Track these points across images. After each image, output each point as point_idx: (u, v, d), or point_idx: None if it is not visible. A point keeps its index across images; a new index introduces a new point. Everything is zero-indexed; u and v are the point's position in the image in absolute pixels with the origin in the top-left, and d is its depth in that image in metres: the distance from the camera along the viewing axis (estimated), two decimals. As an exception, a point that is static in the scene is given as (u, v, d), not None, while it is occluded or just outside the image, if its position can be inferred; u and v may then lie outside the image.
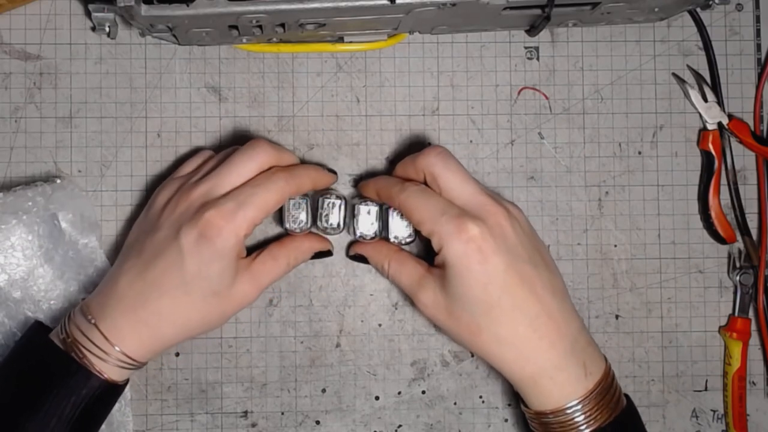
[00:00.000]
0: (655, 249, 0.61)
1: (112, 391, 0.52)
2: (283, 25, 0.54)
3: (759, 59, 0.61)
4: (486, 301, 0.50)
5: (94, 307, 0.51)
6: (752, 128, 0.61)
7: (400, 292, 0.60)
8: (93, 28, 0.59)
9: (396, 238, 0.56)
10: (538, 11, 0.54)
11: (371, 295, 0.60)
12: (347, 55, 0.60)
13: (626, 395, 0.53)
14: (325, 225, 0.56)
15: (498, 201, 0.52)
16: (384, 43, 0.59)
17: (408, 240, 0.56)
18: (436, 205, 0.51)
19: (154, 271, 0.51)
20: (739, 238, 0.61)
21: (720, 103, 0.60)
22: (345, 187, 0.60)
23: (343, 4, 0.50)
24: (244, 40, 0.57)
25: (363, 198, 0.57)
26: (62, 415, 0.49)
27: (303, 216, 0.55)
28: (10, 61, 0.59)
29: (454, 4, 0.51)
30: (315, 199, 0.56)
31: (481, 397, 0.60)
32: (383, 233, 0.56)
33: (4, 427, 0.49)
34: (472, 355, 0.60)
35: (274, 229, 0.60)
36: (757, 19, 0.62)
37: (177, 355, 0.59)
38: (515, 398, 0.59)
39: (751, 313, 0.61)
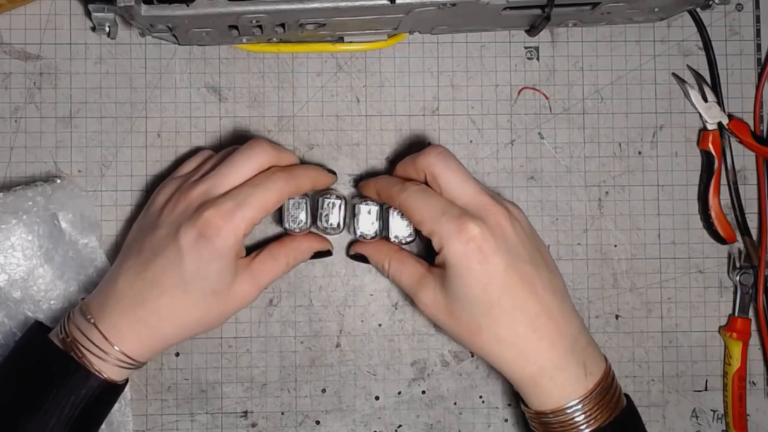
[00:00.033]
0: (655, 249, 0.61)
1: (112, 390, 0.52)
2: (283, 25, 0.54)
3: (759, 59, 0.61)
4: (486, 300, 0.50)
5: (94, 307, 0.51)
6: (752, 128, 0.61)
7: (400, 292, 0.60)
8: (93, 28, 0.59)
9: (396, 237, 0.56)
10: (538, 11, 0.54)
11: (371, 295, 0.60)
12: (347, 55, 0.60)
13: (626, 395, 0.53)
14: (325, 225, 0.56)
15: (498, 201, 0.52)
16: (384, 43, 0.59)
17: (408, 240, 0.56)
18: (436, 205, 0.51)
19: (153, 271, 0.51)
20: (739, 238, 0.61)
21: (720, 103, 0.61)
22: (345, 187, 0.60)
23: (343, 4, 0.50)
24: (244, 40, 0.57)
25: (363, 197, 0.57)
26: (61, 414, 0.49)
27: (302, 216, 0.55)
28: (10, 61, 0.59)
29: (454, 4, 0.51)
30: (315, 199, 0.56)
31: (481, 397, 0.60)
32: (383, 233, 0.56)
33: (4, 427, 0.49)
34: (472, 355, 0.60)
35: (274, 229, 0.60)
36: (757, 19, 0.62)
37: (177, 355, 0.59)
38: (515, 398, 0.59)
39: (751, 313, 0.61)
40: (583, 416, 0.50)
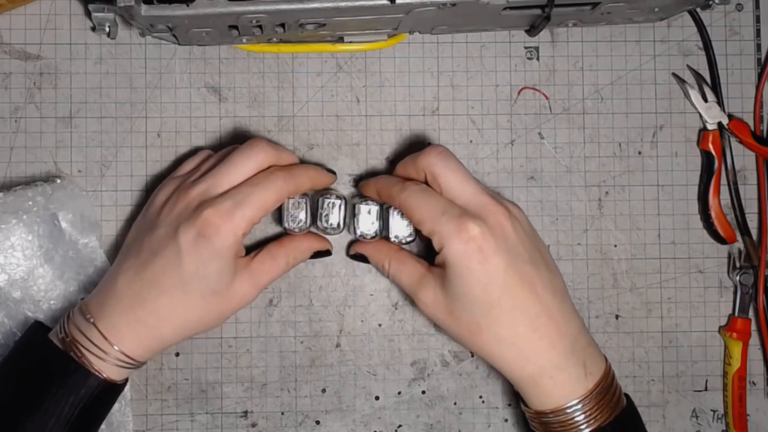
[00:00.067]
0: (655, 249, 0.61)
1: (111, 390, 0.52)
2: (283, 25, 0.54)
3: (759, 59, 0.61)
4: (486, 300, 0.50)
5: (93, 307, 0.51)
6: (752, 128, 0.61)
7: (400, 292, 0.60)
8: (93, 28, 0.59)
9: (396, 237, 0.56)
10: (538, 11, 0.54)
11: (371, 295, 0.60)
12: (347, 55, 0.60)
13: (626, 395, 0.53)
14: (325, 225, 0.56)
15: (499, 201, 0.52)
16: (384, 43, 0.59)
17: (408, 239, 0.56)
18: (436, 205, 0.51)
19: (152, 271, 0.51)
20: (739, 238, 0.61)
21: (720, 103, 0.61)
22: (345, 187, 0.60)
23: (343, 4, 0.50)
24: (244, 40, 0.57)
25: (363, 197, 0.57)
26: (61, 414, 0.49)
27: (302, 215, 0.55)
28: (10, 61, 0.59)
29: (454, 4, 0.51)
30: (315, 199, 0.56)
31: (481, 397, 0.60)
32: (384, 232, 0.56)
33: (3, 427, 0.49)
34: (472, 355, 0.60)
35: (274, 229, 0.60)
36: (757, 19, 0.62)
37: (177, 355, 0.59)
38: (515, 398, 0.59)
39: (751, 313, 0.61)
40: (583, 416, 0.50)
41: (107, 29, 0.55)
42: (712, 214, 0.60)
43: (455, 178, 0.52)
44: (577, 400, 0.50)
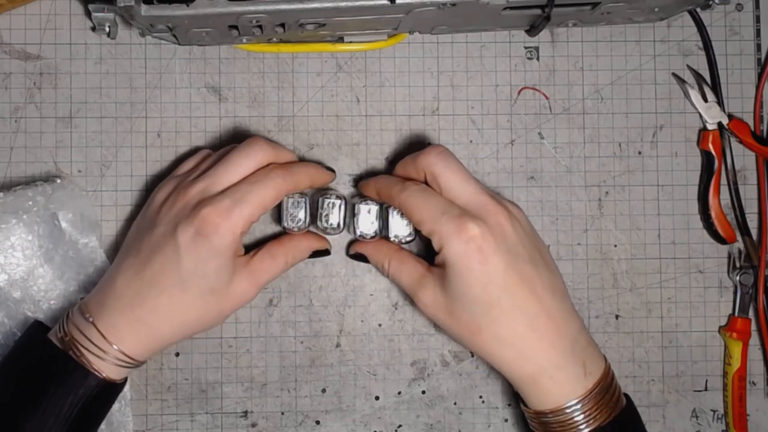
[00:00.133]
0: (655, 249, 0.61)
1: (111, 390, 0.52)
2: (283, 25, 0.54)
3: (759, 59, 0.61)
4: (486, 300, 0.50)
5: (93, 306, 0.51)
6: (752, 128, 0.61)
7: (400, 292, 0.60)
8: (93, 28, 0.59)
9: (396, 237, 0.56)
10: (538, 11, 0.54)
11: (371, 295, 0.60)
12: (347, 55, 0.60)
13: (626, 395, 0.53)
14: (325, 225, 0.56)
15: (498, 200, 0.52)
16: (384, 43, 0.59)
17: (408, 239, 0.56)
18: (436, 205, 0.51)
19: (151, 270, 0.51)
20: (739, 238, 0.61)
21: (720, 103, 0.60)
22: (345, 187, 0.60)
23: (343, 4, 0.50)
24: (244, 40, 0.57)
25: (363, 197, 0.57)
26: (60, 414, 0.49)
27: (301, 215, 0.55)
28: (10, 61, 0.59)
29: (454, 4, 0.51)
30: (315, 199, 0.56)
31: (481, 397, 0.60)
32: (383, 232, 0.56)
33: (3, 426, 0.49)
34: (472, 355, 0.60)
35: (273, 228, 0.60)
36: (757, 19, 0.62)
37: (177, 355, 0.59)
38: (515, 398, 0.59)
39: (751, 313, 0.61)
40: (582, 416, 0.50)
41: (107, 29, 0.55)
42: (712, 214, 0.60)
43: (455, 178, 0.52)
44: (576, 400, 0.50)
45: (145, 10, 0.49)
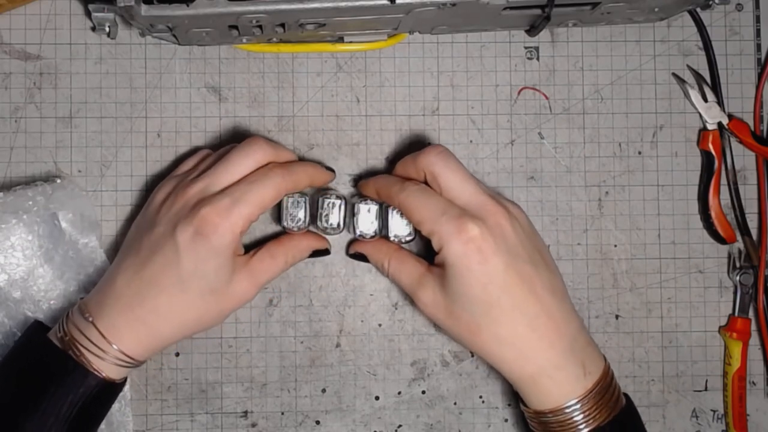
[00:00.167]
0: (655, 249, 0.61)
1: (110, 389, 0.52)
2: (283, 25, 0.54)
3: (759, 59, 0.61)
4: (486, 300, 0.50)
5: (92, 306, 0.51)
6: (752, 128, 0.61)
7: (400, 292, 0.60)
8: (93, 28, 0.59)
9: (396, 236, 0.56)
10: (538, 11, 0.54)
11: (371, 295, 0.60)
12: (347, 55, 0.60)
13: (626, 394, 0.53)
14: (325, 225, 0.56)
15: (498, 200, 0.52)
16: (384, 43, 0.59)
17: (408, 238, 0.56)
18: (436, 205, 0.51)
19: (151, 269, 0.51)
20: (739, 238, 0.61)
21: (720, 103, 0.60)
22: (345, 187, 0.60)
23: (343, 4, 0.50)
24: (244, 40, 0.57)
25: (363, 196, 0.57)
26: (60, 413, 0.49)
27: (301, 214, 0.55)
28: (10, 61, 0.59)
29: (454, 4, 0.51)
30: (315, 199, 0.57)
31: (481, 397, 0.60)
32: (383, 232, 0.56)
33: (3, 426, 0.49)
34: (472, 355, 0.60)
35: (273, 228, 0.60)
36: (757, 19, 0.62)
37: (177, 355, 0.59)
38: (515, 398, 0.59)
39: (751, 313, 0.61)
40: (581, 415, 0.50)
41: (107, 29, 0.55)
42: (712, 214, 0.60)
43: (455, 178, 0.52)
44: (575, 400, 0.50)
45: (145, 10, 0.49)
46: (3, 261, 0.56)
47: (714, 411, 0.61)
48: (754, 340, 0.61)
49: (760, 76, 0.61)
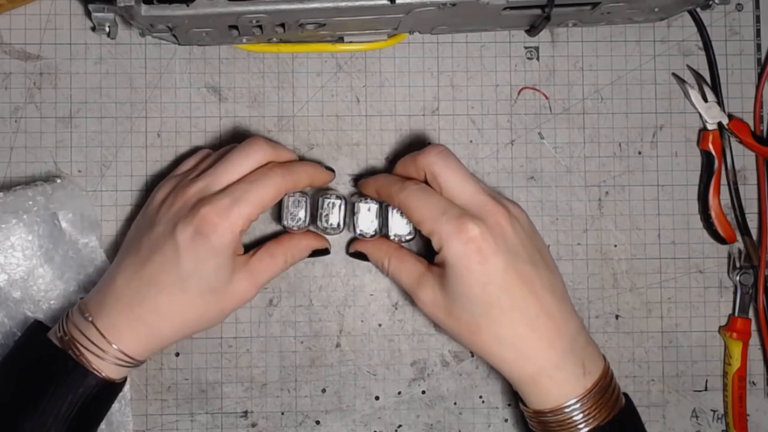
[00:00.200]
0: (655, 249, 0.61)
1: (110, 389, 0.52)
2: (283, 25, 0.54)
3: (759, 59, 0.61)
4: (485, 300, 0.50)
5: (92, 305, 0.51)
6: (752, 128, 0.61)
7: (400, 292, 0.60)
8: (93, 28, 0.59)
9: (396, 235, 0.56)
10: (538, 11, 0.54)
11: (371, 295, 0.60)
12: (347, 55, 0.60)
13: (625, 394, 0.53)
14: (325, 225, 0.56)
15: (498, 200, 0.52)
16: (384, 43, 0.59)
17: (408, 238, 0.56)
18: (436, 205, 0.51)
19: (151, 269, 0.51)
20: (739, 238, 0.61)
21: (720, 103, 0.60)
22: (345, 187, 0.60)
23: (343, 4, 0.50)
24: (244, 40, 0.57)
25: (363, 195, 0.57)
26: (59, 413, 0.49)
27: (301, 214, 0.55)
28: (10, 61, 0.59)
29: (454, 4, 0.51)
30: (315, 199, 0.57)
31: (481, 397, 0.60)
32: (383, 231, 0.56)
33: (3, 426, 0.49)
34: (472, 355, 0.60)
35: (273, 227, 0.60)
36: (757, 19, 0.62)
37: (177, 355, 0.59)
38: (515, 398, 0.59)
39: (751, 313, 0.61)
40: (581, 415, 0.50)
41: (107, 29, 0.55)
42: (712, 214, 0.60)
43: (455, 177, 0.52)
44: (575, 400, 0.50)
45: (145, 10, 0.49)
46: (3, 261, 0.56)
47: (714, 411, 0.61)
48: (754, 340, 0.61)
49: (760, 76, 0.61)
